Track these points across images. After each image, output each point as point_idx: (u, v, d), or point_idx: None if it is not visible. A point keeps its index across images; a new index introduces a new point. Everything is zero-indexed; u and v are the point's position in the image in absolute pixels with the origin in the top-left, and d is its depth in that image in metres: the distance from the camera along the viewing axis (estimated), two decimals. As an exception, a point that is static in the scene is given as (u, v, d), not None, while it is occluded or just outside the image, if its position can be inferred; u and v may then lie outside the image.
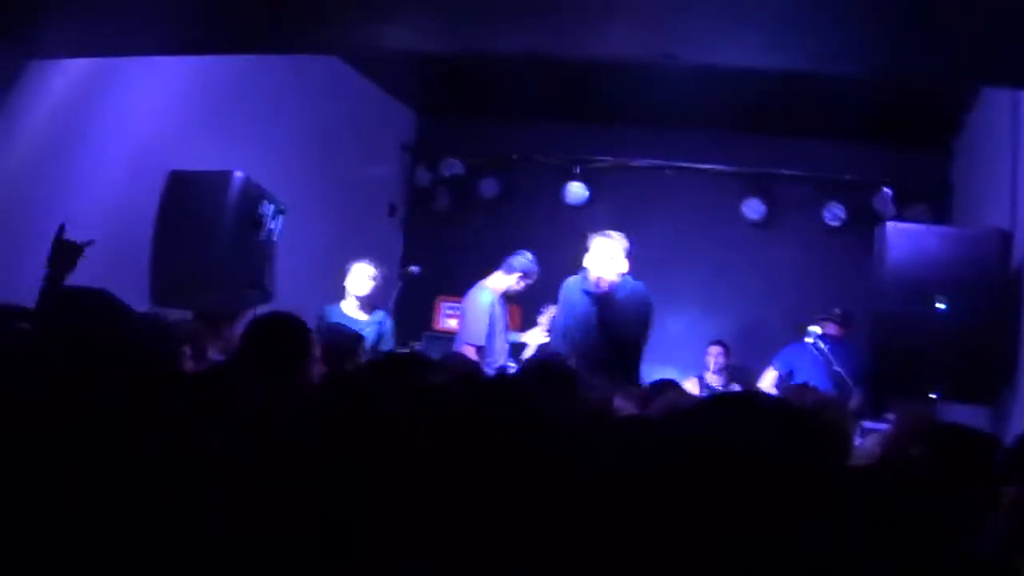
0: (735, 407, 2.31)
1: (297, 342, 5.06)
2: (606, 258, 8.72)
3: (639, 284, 8.85)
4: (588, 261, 8.79)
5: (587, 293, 8.79)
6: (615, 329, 8.65)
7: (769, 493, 2.09)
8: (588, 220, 12.61)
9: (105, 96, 8.28)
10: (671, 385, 6.56)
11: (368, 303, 9.51)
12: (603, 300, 8.68)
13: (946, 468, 4.08)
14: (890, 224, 8.40)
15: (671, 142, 13.03)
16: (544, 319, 10.02)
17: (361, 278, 9.46)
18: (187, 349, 5.86)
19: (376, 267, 9.57)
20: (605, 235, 8.85)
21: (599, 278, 8.70)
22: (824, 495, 2.16)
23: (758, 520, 2.06)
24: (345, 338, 6.91)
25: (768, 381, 10.58)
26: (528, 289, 9.94)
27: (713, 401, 2.44)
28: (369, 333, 8.88)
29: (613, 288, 8.69)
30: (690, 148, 13.03)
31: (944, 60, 6.54)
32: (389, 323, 9.55)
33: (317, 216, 10.79)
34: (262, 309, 8.38)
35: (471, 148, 13.49)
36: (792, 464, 2.14)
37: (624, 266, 8.76)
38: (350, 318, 9.23)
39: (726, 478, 2.10)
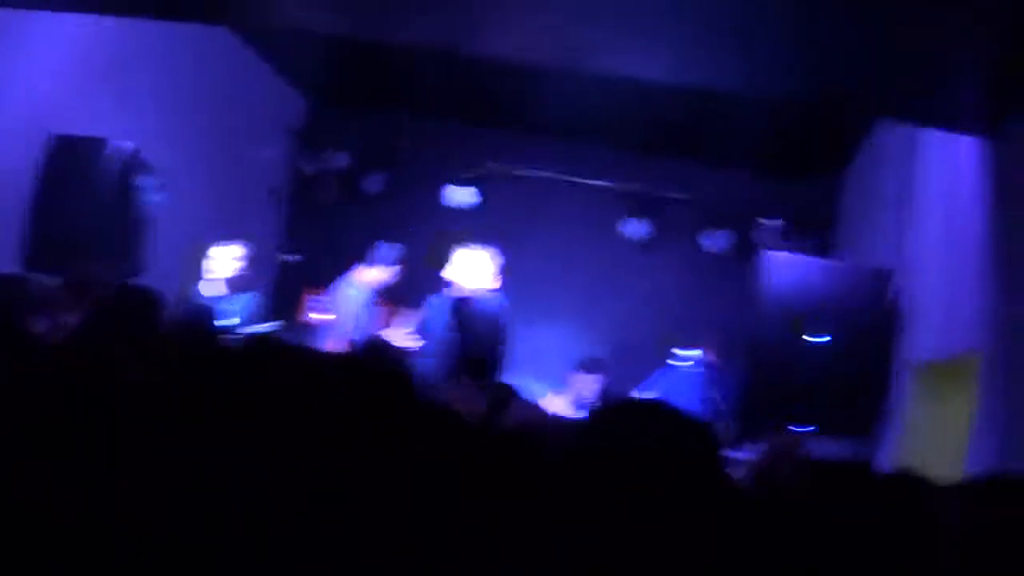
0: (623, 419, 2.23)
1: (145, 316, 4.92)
2: (474, 270, 8.72)
3: (501, 298, 8.86)
4: (454, 271, 8.80)
5: (451, 302, 8.75)
6: (474, 339, 8.56)
7: (648, 516, 2.02)
8: (470, 225, 12.55)
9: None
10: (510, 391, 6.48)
11: (235, 284, 9.30)
12: (464, 310, 8.62)
13: (822, 497, 4.05)
14: (772, 254, 8.43)
15: (561, 155, 13.03)
16: (406, 320, 9.91)
17: (226, 259, 9.27)
18: (42, 314, 5.68)
19: (243, 248, 9.36)
20: (468, 247, 8.88)
21: (462, 288, 8.71)
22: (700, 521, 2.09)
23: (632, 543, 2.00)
24: (198, 316, 6.78)
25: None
26: (402, 285, 9.84)
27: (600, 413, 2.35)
28: (233, 313, 8.71)
29: (476, 299, 8.68)
30: (580, 162, 13.05)
31: (845, 88, 6.60)
32: (255, 304, 9.35)
33: (198, 192, 10.54)
34: (132, 281, 8.23)
35: (360, 140, 13.32)
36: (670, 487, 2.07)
37: (493, 281, 8.76)
38: (214, 298, 9.00)
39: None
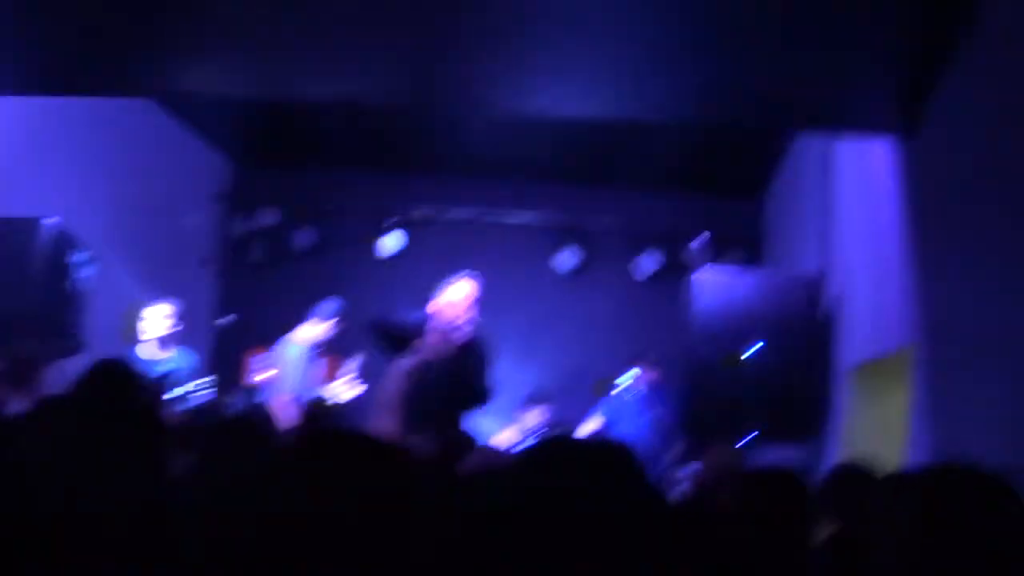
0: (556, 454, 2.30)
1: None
2: (457, 307, 8.72)
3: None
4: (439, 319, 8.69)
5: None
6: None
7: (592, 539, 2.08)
8: (403, 272, 12.62)
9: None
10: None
11: (166, 342, 9.28)
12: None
13: (753, 509, 4.15)
14: (700, 273, 8.53)
15: (486, 192, 13.12)
16: (349, 369, 9.95)
17: (156, 318, 9.24)
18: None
19: (172, 305, 9.35)
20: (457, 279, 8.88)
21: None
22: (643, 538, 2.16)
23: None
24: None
25: (590, 428, 10.58)
26: (341, 336, 9.87)
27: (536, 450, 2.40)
28: (167, 369, 8.72)
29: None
30: (505, 198, 13.15)
31: (760, 105, 6.74)
32: (189, 360, 9.36)
33: (129, 264, 10.53)
34: (72, 358, 8.21)
35: (286, 198, 13.35)
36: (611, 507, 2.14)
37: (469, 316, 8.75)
38: (147, 361, 8.97)
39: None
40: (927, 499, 2.52)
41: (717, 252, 11.93)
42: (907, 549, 2.48)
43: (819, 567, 4.34)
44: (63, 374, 7.56)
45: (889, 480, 3.23)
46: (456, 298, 8.71)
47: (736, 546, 3.94)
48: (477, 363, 8.57)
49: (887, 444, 6.70)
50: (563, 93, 6.78)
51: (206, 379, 9.43)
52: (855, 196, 8.06)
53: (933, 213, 6.03)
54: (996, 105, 5.11)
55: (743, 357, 7.92)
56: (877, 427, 7.19)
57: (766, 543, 4.03)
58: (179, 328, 9.39)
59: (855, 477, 5.05)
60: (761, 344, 7.92)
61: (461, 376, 8.45)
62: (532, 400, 10.83)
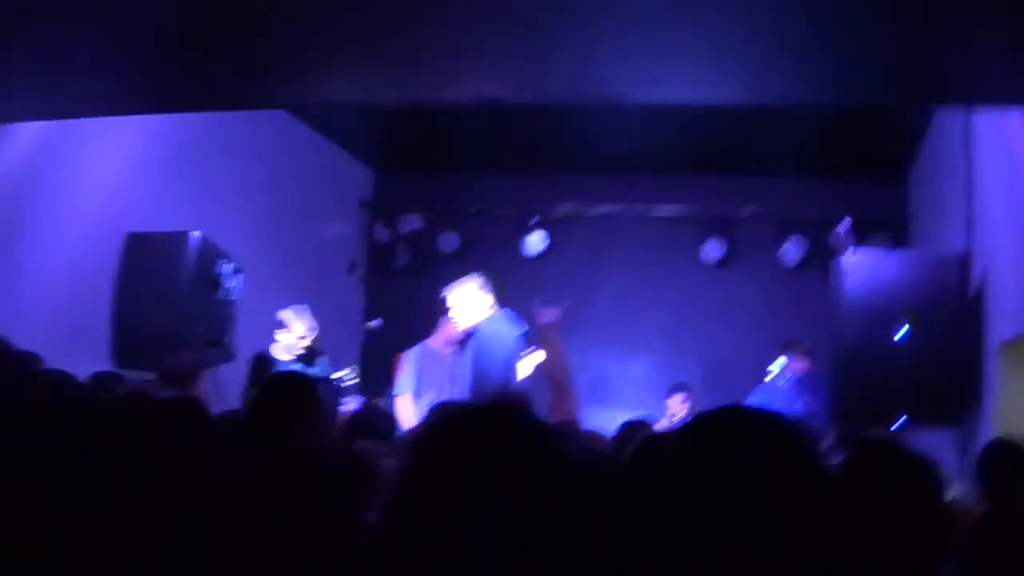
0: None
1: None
2: (462, 306, 8.78)
3: (501, 321, 8.72)
4: (453, 316, 8.84)
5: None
6: (474, 372, 8.53)
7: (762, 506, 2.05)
8: (548, 270, 12.68)
9: (59, 161, 8.28)
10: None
11: (307, 351, 9.38)
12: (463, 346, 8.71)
13: (888, 491, 4.08)
14: (846, 256, 8.43)
15: (627, 187, 13.11)
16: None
17: (296, 327, 9.34)
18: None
19: (308, 315, 9.43)
20: (457, 284, 8.94)
21: (455, 327, 8.81)
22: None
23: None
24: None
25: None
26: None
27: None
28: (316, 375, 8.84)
29: (469, 332, 8.72)
30: (646, 192, 13.13)
31: (883, 85, 6.63)
32: (329, 366, 9.48)
33: (277, 274, 10.78)
34: (224, 367, 8.42)
35: (429, 203, 13.55)
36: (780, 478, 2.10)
37: (483, 306, 8.75)
38: (285, 362, 9.13)
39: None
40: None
41: (863, 236, 11.73)
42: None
43: (972, 547, 4.27)
44: (217, 383, 7.79)
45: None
46: (464, 298, 8.80)
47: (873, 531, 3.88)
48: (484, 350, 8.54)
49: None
50: (693, 78, 6.75)
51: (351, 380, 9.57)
52: (998, 170, 7.87)
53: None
54: None
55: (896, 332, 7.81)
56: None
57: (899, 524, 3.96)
58: (316, 334, 9.49)
59: (1006, 454, 4.95)
60: (907, 328, 7.79)
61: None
62: (675, 390, 10.82)
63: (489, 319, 8.71)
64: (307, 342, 9.31)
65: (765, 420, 2.15)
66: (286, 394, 4.90)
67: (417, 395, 9.06)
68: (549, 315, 6.26)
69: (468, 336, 8.72)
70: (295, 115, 11.35)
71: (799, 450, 2.11)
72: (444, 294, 8.94)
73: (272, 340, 9.24)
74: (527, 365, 8.71)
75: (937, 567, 3.47)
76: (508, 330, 8.61)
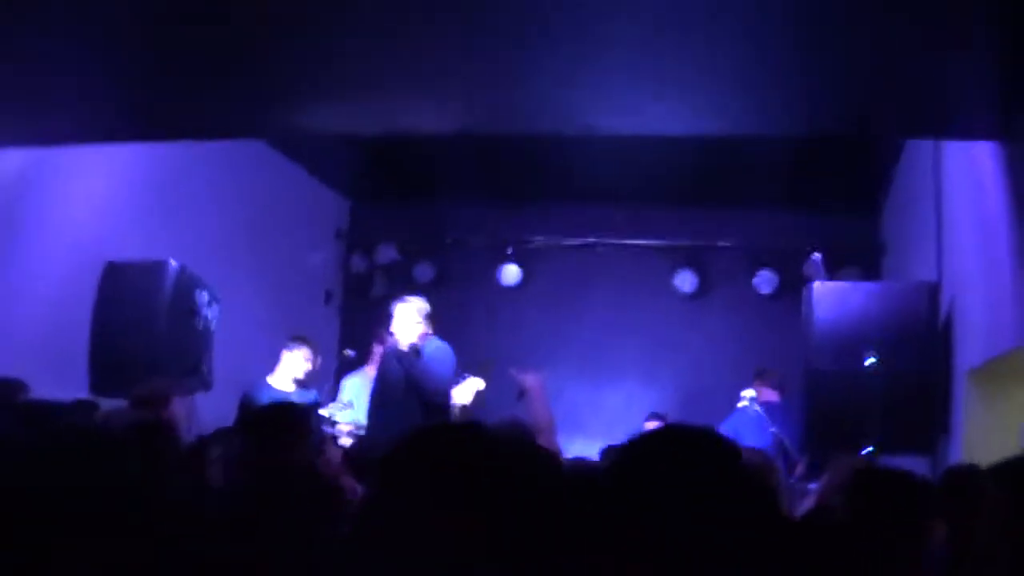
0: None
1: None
2: (406, 322, 8.90)
3: (442, 343, 8.96)
4: (393, 327, 8.96)
5: (395, 357, 8.86)
6: (424, 384, 8.66)
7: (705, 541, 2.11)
8: (524, 300, 12.75)
9: (38, 189, 8.31)
10: None
11: (300, 383, 9.48)
12: (408, 359, 8.74)
13: (868, 513, 4.14)
14: (817, 285, 8.52)
15: (602, 218, 13.20)
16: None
17: (298, 360, 9.44)
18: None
19: (312, 349, 9.55)
20: (403, 300, 9.13)
21: (400, 340, 8.85)
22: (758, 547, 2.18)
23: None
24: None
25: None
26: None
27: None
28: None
29: (415, 347, 8.80)
30: (621, 223, 13.21)
31: (855, 117, 6.73)
32: (312, 398, 9.52)
33: (253, 303, 10.83)
34: (200, 395, 8.45)
35: (405, 233, 13.59)
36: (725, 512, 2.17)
37: (423, 328, 8.93)
38: (279, 391, 9.19)
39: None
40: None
41: (837, 266, 11.85)
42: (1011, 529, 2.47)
43: (933, 566, 4.32)
44: (191, 409, 7.81)
45: (993, 469, 3.23)
46: (405, 317, 8.97)
47: (852, 555, 3.94)
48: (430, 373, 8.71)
49: (1007, 444, 6.61)
50: (664, 109, 6.82)
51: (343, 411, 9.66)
52: (966, 200, 7.97)
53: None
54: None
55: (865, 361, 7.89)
56: (996, 428, 7.09)
57: (881, 544, 4.02)
58: (313, 371, 9.60)
59: (964, 476, 5.01)
60: (875, 361, 7.88)
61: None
62: (651, 419, 10.88)
63: (432, 339, 8.94)
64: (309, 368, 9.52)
65: (696, 433, 2.26)
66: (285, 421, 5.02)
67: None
68: (532, 380, 6.36)
69: (408, 351, 8.80)
70: (272, 145, 11.39)
71: (721, 458, 2.22)
72: (392, 306, 9.11)
73: (246, 370, 9.30)
74: (464, 392, 8.91)
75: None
76: (449, 355, 8.85)
